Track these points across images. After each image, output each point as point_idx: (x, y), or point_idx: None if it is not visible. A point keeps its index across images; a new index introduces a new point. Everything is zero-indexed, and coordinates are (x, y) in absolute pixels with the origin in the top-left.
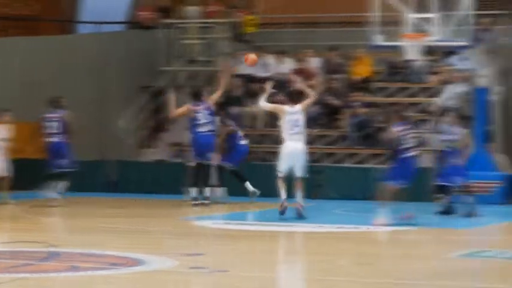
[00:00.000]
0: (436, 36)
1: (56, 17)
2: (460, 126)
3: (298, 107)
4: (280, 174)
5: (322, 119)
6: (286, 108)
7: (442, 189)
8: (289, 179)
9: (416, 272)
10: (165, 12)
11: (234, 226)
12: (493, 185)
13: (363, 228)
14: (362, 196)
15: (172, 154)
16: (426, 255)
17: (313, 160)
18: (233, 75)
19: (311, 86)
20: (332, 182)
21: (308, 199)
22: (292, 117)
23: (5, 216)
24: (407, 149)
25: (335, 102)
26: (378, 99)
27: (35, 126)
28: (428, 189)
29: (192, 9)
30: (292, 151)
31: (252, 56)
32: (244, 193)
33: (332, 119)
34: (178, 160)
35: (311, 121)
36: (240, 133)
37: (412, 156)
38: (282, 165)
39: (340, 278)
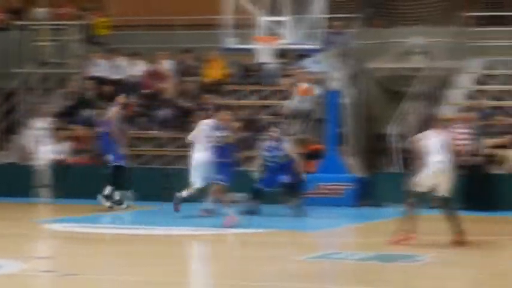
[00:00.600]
0: (288, 39)
1: None
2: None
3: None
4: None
5: (174, 121)
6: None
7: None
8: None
9: (265, 273)
10: (17, 13)
11: (86, 229)
12: (344, 187)
13: (214, 230)
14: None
15: (23, 157)
16: (276, 257)
17: (166, 163)
18: (85, 77)
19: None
20: (185, 185)
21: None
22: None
23: None
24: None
25: (187, 104)
26: (230, 101)
27: None
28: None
29: (43, 11)
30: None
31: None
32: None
33: (185, 122)
34: (30, 163)
35: (163, 124)
36: None
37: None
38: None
39: (186, 280)
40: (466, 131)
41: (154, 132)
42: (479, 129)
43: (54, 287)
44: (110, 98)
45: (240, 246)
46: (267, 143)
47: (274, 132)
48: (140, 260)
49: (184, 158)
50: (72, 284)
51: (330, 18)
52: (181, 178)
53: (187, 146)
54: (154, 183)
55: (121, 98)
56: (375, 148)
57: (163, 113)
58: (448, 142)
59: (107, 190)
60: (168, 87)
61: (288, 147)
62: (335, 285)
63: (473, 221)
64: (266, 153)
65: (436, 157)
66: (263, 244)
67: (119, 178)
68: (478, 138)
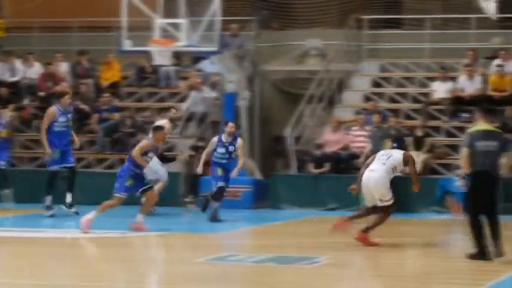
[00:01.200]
0: (184, 42)
1: None
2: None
3: None
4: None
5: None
6: None
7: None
8: None
9: (164, 276)
10: None
11: None
12: (242, 189)
13: (117, 233)
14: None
15: None
16: (174, 259)
17: None
18: None
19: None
20: (82, 188)
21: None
22: None
23: None
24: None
25: (84, 107)
26: (127, 104)
27: None
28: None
29: None
30: None
31: None
32: None
33: (81, 124)
34: None
35: None
36: None
37: None
38: None
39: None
40: (363, 133)
41: None
42: (380, 131)
43: None
44: (6, 101)
45: (137, 249)
46: None
47: None
48: (33, 261)
49: (82, 161)
50: None
51: (226, 21)
52: (79, 181)
53: (83, 148)
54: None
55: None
56: (271, 150)
57: None
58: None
59: None
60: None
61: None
62: (231, 287)
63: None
64: None
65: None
66: (161, 246)
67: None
68: (377, 140)
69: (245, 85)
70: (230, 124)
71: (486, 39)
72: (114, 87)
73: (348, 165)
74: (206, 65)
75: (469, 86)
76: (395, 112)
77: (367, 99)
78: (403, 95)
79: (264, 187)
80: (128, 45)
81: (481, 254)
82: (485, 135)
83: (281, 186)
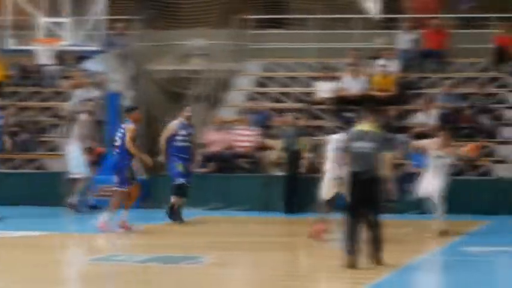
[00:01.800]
0: (68, 41)
1: None
2: None
3: None
4: None
5: None
6: None
7: None
8: None
9: (48, 277)
10: None
11: None
12: None
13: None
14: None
15: None
16: (59, 260)
17: None
18: None
19: None
20: None
21: None
22: None
23: None
24: None
25: None
26: (10, 103)
27: None
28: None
29: None
30: None
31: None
32: None
33: None
34: None
35: None
36: None
37: None
38: None
39: None
40: (247, 132)
41: None
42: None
43: None
44: None
45: (17, 250)
46: None
47: None
48: None
49: None
50: None
51: (110, 20)
52: None
53: None
54: None
55: None
56: (156, 150)
57: None
58: None
59: None
60: None
61: None
62: (114, 287)
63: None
64: None
65: None
66: (46, 247)
67: None
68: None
69: (129, 85)
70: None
71: (369, 39)
72: None
73: (231, 164)
74: (90, 65)
75: (353, 85)
76: (278, 112)
77: (251, 98)
78: (287, 95)
79: (147, 187)
80: (11, 44)
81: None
82: (362, 136)
83: (165, 185)
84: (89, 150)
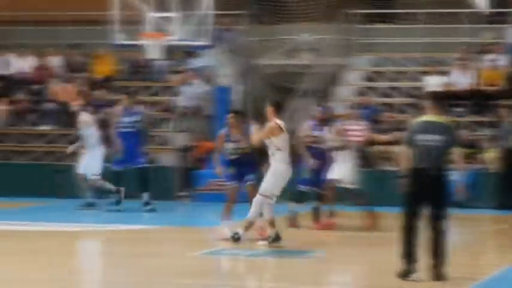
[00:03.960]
0: (176, 36)
1: None
2: None
3: None
4: None
5: (62, 117)
6: None
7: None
8: None
9: (160, 270)
10: None
11: None
12: None
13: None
14: None
15: None
16: (170, 253)
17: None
18: None
19: None
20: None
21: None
22: None
23: None
24: None
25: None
26: (120, 98)
27: None
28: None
29: None
30: None
31: None
32: None
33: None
34: None
35: (49, 119)
36: None
37: None
38: None
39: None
40: (357, 127)
41: (44, 128)
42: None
43: None
44: None
45: (131, 243)
46: None
47: None
48: (21, 256)
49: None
50: None
51: (218, 15)
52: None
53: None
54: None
55: None
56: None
57: (48, 107)
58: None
59: None
60: (57, 83)
61: None
62: (228, 280)
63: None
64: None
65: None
66: (158, 240)
67: None
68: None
69: (238, 79)
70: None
71: (478, 33)
72: (107, 81)
73: None
74: (199, 59)
75: (461, 80)
76: (387, 107)
77: (359, 93)
78: (396, 90)
79: None
80: (120, 39)
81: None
82: (428, 127)
83: None
84: (194, 146)
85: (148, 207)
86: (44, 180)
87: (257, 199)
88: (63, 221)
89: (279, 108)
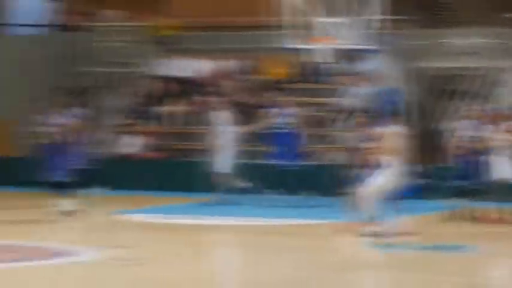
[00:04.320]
0: (344, 40)
1: None
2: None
3: None
4: None
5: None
6: None
7: None
8: None
9: (328, 264)
10: (86, 15)
11: (159, 219)
12: None
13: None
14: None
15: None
16: (336, 247)
17: None
18: (152, 76)
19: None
20: None
21: None
22: None
23: None
24: None
25: (251, 102)
26: (291, 99)
27: None
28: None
29: (110, 13)
30: None
31: None
32: None
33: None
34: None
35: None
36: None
37: None
38: None
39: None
40: None
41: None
42: None
43: (124, 274)
44: (177, 96)
45: (298, 237)
46: None
47: None
48: (210, 248)
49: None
50: (141, 271)
51: (385, 20)
52: None
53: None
54: None
55: None
56: (429, 144)
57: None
58: None
59: None
60: (231, 85)
61: None
62: (404, 273)
63: None
64: None
65: None
66: (320, 235)
67: None
68: None
69: (403, 81)
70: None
71: None
72: (278, 83)
73: None
74: (366, 63)
75: None
76: None
77: None
78: None
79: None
80: (290, 43)
81: None
82: None
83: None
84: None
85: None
86: None
87: (370, 196)
88: (242, 216)
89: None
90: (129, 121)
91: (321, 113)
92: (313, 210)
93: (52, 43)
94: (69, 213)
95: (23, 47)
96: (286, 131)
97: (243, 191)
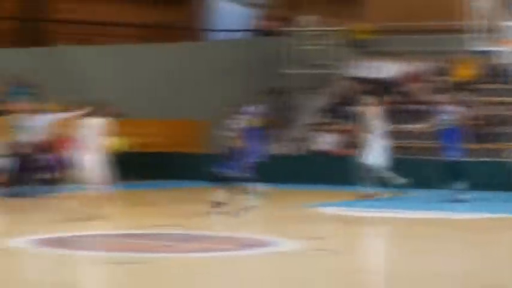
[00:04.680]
0: None
1: (188, 25)
2: None
3: None
4: None
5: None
6: None
7: None
8: None
9: None
10: (285, 21)
11: (352, 212)
12: None
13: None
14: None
15: (295, 148)
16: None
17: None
18: (347, 77)
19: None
20: None
21: None
22: None
23: (145, 202)
24: None
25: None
26: (479, 99)
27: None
28: None
29: (308, 18)
30: None
31: None
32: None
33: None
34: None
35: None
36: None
37: None
38: None
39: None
40: None
41: (411, 126)
42: None
43: (322, 263)
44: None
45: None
46: None
47: None
48: (401, 240)
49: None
50: (340, 261)
51: None
52: None
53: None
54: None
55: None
56: None
57: (417, 109)
58: None
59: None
60: (421, 86)
61: None
62: None
63: None
64: None
65: None
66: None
67: None
68: None
69: None
70: None
71: None
72: (468, 84)
73: None
74: None
75: None
76: None
77: None
78: None
79: None
80: (478, 46)
81: None
82: None
83: None
84: None
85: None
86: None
87: None
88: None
89: None
90: (325, 120)
91: (503, 112)
92: (500, 204)
93: (254, 47)
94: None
95: (225, 52)
96: (447, 128)
97: (403, 186)
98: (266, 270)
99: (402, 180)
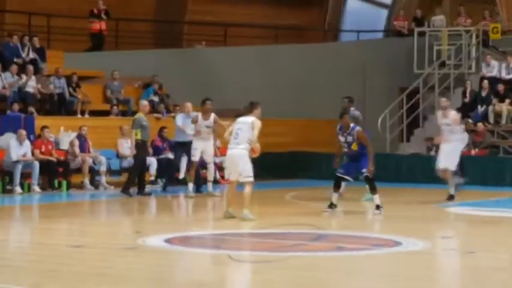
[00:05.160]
0: None
1: (321, 26)
2: None
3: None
4: None
5: None
6: None
7: None
8: None
9: None
10: (418, 21)
11: (480, 212)
12: None
13: None
14: None
15: (426, 148)
16: None
17: None
18: (480, 77)
19: None
20: None
21: None
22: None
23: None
24: None
25: None
26: None
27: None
28: None
29: (441, 18)
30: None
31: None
32: None
33: None
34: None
35: None
36: None
37: None
38: None
39: None
40: None
41: None
42: None
43: (453, 263)
44: (502, 96)
45: None
46: None
47: None
48: None
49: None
50: (470, 260)
51: None
52: None
53: None
54: None
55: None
56: None
57: None
58: None
59: None
60: None
61: None
62: None
63: None
64: None
65: None
66: None
67: None
68: None
69: None
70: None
71: None
72: None
73: None
74: None
75: None
76: None
77: None
78: None
79: None
80: None
81: None
82: None
83: None
84: None
85: None
86: None
87: None
88: None
89: None
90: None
91: None
92: None
93: (385, 47)
94: None
95: (357, 52)
96: None
97: None
98: (402, 268)
99: None
